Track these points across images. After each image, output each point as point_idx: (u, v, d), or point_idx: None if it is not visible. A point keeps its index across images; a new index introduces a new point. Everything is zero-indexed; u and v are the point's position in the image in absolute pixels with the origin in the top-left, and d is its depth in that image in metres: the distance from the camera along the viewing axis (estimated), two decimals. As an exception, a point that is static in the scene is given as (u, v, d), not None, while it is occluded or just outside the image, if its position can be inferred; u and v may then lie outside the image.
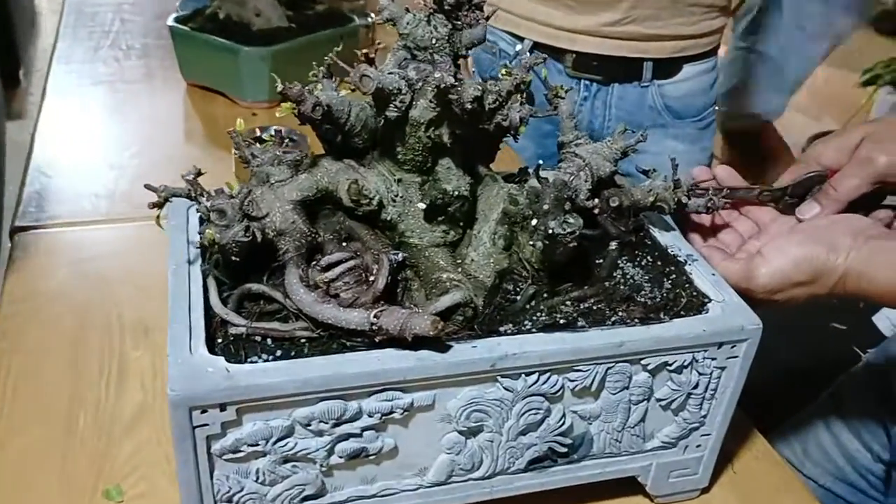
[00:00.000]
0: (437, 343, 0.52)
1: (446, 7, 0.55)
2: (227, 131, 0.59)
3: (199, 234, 0.58)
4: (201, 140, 1.26)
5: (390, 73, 0.53)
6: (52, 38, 1.58)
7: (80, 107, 1.31)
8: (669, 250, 0.66)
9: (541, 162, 0.60)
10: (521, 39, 1.22)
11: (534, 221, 0.55)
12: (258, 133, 1.01)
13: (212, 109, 1.31)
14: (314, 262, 0.56)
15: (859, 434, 0.91)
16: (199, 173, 0.56)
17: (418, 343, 0.51)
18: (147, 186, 0.55)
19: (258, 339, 0.53)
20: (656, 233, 0.68)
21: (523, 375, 0.55)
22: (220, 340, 0.53)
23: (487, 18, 0.57)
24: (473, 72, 1.33)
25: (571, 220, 0.55)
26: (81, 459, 0.67)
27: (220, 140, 1.19)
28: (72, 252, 0.93)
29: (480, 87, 0.55)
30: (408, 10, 0.55)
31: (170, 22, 1.34)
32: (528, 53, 1.21)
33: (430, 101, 0.53)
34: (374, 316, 0.51)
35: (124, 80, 1.40)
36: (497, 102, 0.57)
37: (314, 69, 0.58)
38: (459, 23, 0.55)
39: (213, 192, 0.55)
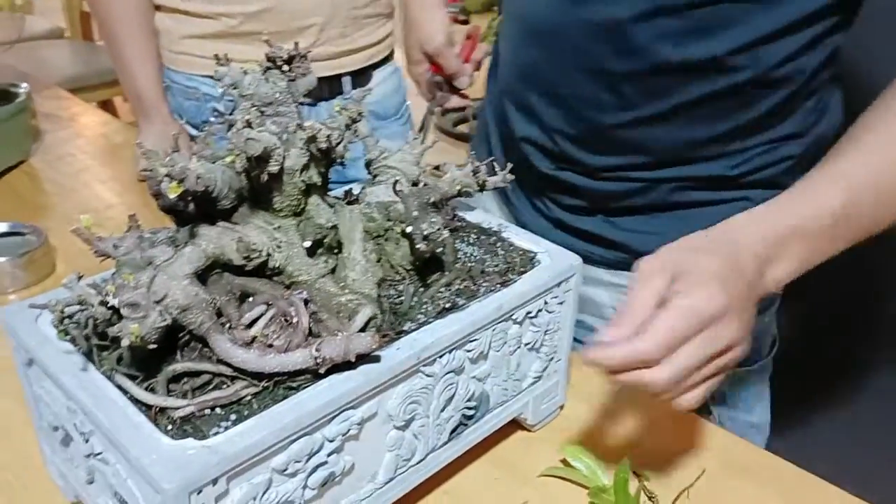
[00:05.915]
0: (371, 357, 0.58)
1: (279, 63, 0.60)
2: (72, 230, 0.58)
3: (77, 339, 0.56)
4: None
5: (261, 133, 0.57)
6: None
7: None
8: (484, 225, 0.78)
9: (398, 179, 0.67)
10: (222, 80, 1.25)
11: (409, 229, 0.63)
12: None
13: None
14: (229, 325, 0.58)
15: None
16: (79, 276, 0.55)
17: (358, 361, 0.57)
18: (33, 305, 0.53)
19: (207, 412, 0.54)
20: (466, 214, 0.80)
21: (437, 360, 0.63)
22: (168, 427, 0.53)
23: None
24: (184, 122, 1.32)
25: (436, 219, 0.64)
26: None
27: None
28: None
29: (330, 127, 0.61)
30: (245, 73, 0.59)
31: None
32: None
33: (301, 149, 0.58)
34: (316, 350, 0.55)
35: None
36: (340, 137, 0.63)
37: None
38: (293, 74, 0.61)
39: (115, 286, 0.54)
